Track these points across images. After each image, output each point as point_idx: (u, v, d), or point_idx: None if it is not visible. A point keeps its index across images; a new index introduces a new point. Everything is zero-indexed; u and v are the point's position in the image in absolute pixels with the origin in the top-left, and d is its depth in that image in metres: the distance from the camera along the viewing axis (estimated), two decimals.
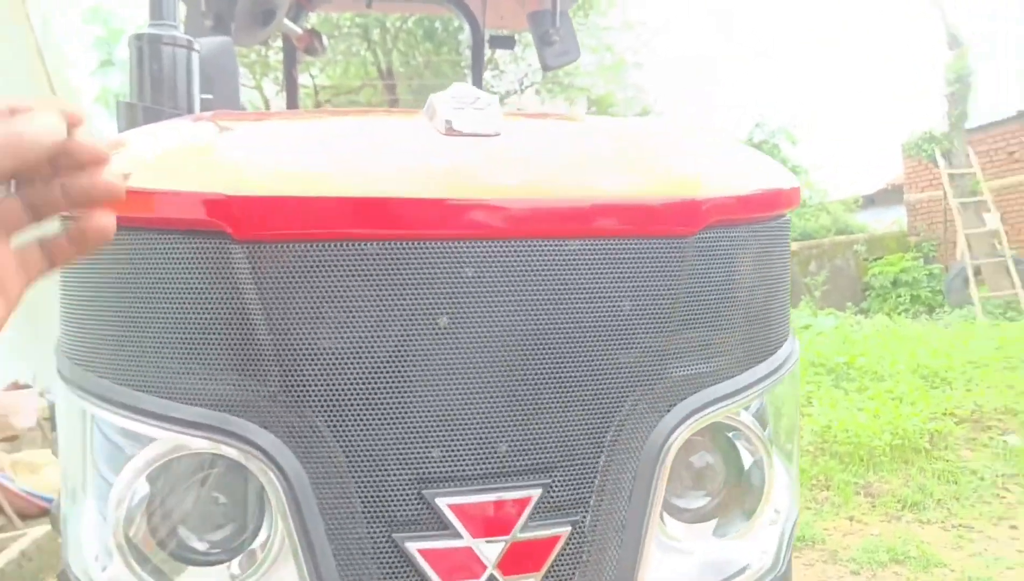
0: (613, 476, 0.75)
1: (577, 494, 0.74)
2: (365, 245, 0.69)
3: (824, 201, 14.85)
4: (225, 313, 0.70)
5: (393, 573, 0.71)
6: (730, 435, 0.86)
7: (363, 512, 0.70)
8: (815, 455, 5.22)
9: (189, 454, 0.73)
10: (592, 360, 0.74)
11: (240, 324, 0.69)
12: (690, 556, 0.84)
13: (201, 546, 0.76)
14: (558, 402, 0.73)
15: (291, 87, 2.77)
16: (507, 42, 3.05)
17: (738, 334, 0.83)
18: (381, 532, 0.70)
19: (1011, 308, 8.75)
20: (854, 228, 13.08)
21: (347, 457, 0.70)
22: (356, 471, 0.70)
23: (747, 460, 0.86)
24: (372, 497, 0.70)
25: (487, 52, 3.09)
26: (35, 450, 5.85)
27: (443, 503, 0.70)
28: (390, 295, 0.70)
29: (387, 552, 0.71)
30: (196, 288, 0.70)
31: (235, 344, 0.70)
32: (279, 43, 3.13)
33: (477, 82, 2.63)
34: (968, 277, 9.13)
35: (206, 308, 0.70)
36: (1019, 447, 5.06)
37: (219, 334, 0.70)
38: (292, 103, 2.66)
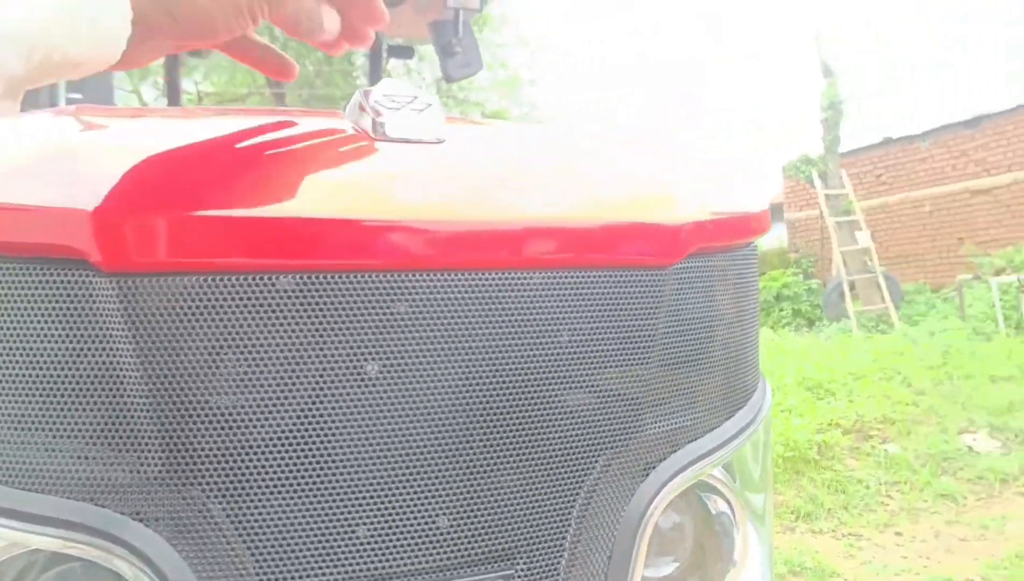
0: (582, 557, 0.62)
1: (542, 573, 0.61)
2: (275, 278, 0.54)
3: None
4: (87, 368, 0.52)
5: None
6: (699, 492, 0.76)
7: None
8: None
9: (31, 551, 0.55)
10: (554, 415, 0.61)
11: (108, 382, 0.52)
12: None
13: None
14: (513, 468, 0.60)
15: (173, 92, 2.51)
16: (406, 52, 2.92)
17: (718, 378, 0.72)
18: None
19: (882, 321, 9.29)
20: None
21: (251, 551, 0.54)
22: (262, 567, 0.54)
23: (718, 519, 0.76)
24: None
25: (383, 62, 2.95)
26: None
27: None
28: (305, 338, 0.55)
29: None
30: (49, 335, 0.52)
31: (101, 409, 0.52)
32: None
33: None
34: (844, 292, 9.65)
35: (61, 361, 0.52)
36: (898, 455, 5.32)
37: (79, 396, 0.52)
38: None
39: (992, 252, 9.90)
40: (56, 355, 0.52)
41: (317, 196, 0.56)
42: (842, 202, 10.38)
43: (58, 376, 0.52)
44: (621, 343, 0.63)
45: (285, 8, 0.56)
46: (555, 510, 0.62)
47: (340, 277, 0.55)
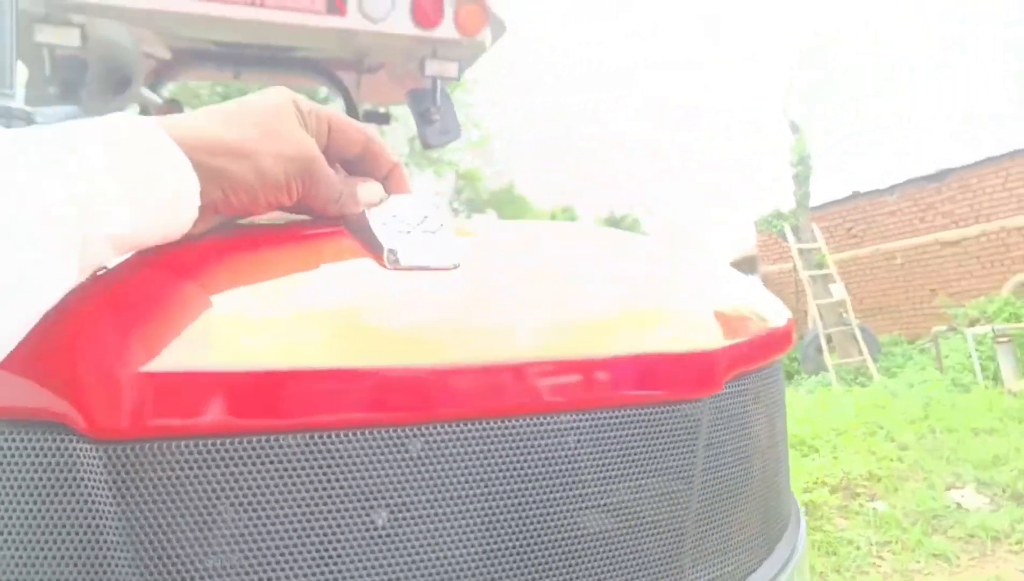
0: None
1: None
2: (277, 438, 0.48)
3: None
4: (71, 537, 0.46)
5: None
6: None
7: None
8: None
9: None
10: (583, 572, 0.55)
11: (92, 552, 0.46)
12: None
13: None
14: None
15: None
16: (382, 118, 2.92)
17: (757, 515, 0.66)
18: None
19: (861, 374, 9.33)
20: None
21: None
22: None
23: None
24: None
25: None
26: None
27: None
28: (310, 494, 0.49)
29: None
30: (23, 511, 0.46)
31: (85, 577, 0.46)
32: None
33: None
34: (821, 345, 9.70)
35: (36, 540, 0.46)
36: (887, 513, 5.26)
37: (61, 564, 0.46)
38: None
39: (965, 303, 10.05)
40: (33, 534, 0.46)
41: (321, 343, 0.50)
42: (815, 256, 10.52)
43: (41, 542, 0.46)
44: (658, 488, 0.58)
45: (318, 188, 0.59)
46: None
47: (347, 435, 0.49)
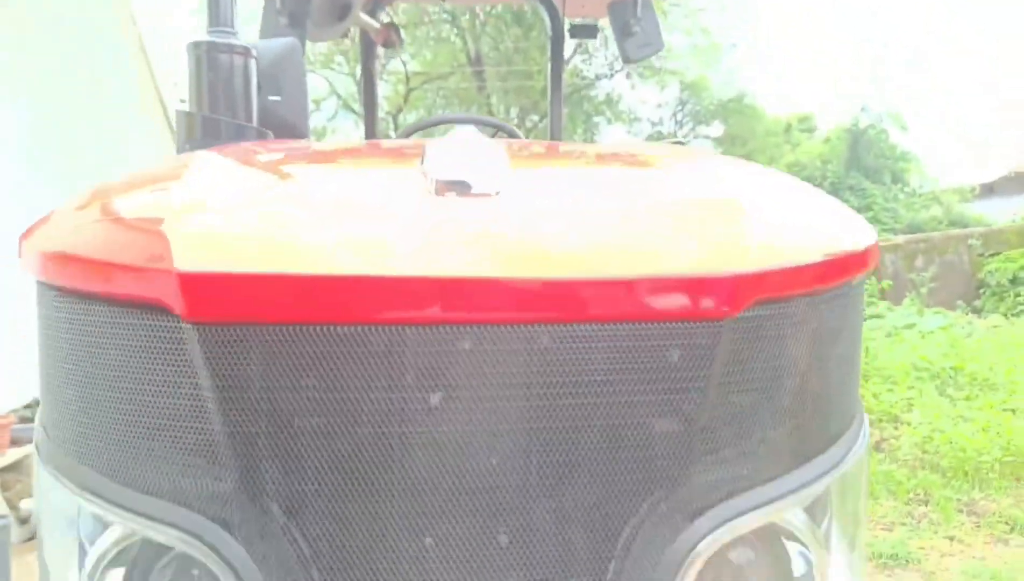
0: None
1: None
2: (332, 329, 0.61)
3: (936, 190, 13.91)
4: (178, 399, 0.63)
5: None
6: (778, 535, 0.75)
7: None
8: (914, 467, 4.90)
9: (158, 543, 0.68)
10: (602, 457, 0.64)
11: (195, 412, 0.62)
12: None
13: None
14: (560, 503, 0.64)
15: (368, 82, 2.74)
16: (589, 31, 2.91)
17: (785, 429, 0.70)
18: None
19: None
20: (969, 220, 12.19)
21: (316, 561, 0.63)
22: (325, 573, 0.63)
23: (796, 562, 0.75)
24: None
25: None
26: None
27: None
28: (368, 383, 0.61)
29: None
30: (149, 369, 0.64)
31: (191, 433, 0.63)
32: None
33: (556, 73, 2.51)
34: None
35: (159, 391, 0.64)
36: None
37: (173, 421, 0.63)
38: (369, 97, 2.64)
39: None
40: (156, 386, 0.64)
41: (367, 254, 0.62)
42: None
43: (158, 404, 0.64)
44: (673, 394, 0.64)
45: None
46: (599, 544, 0.64)
47: (392, 330, 0.61)
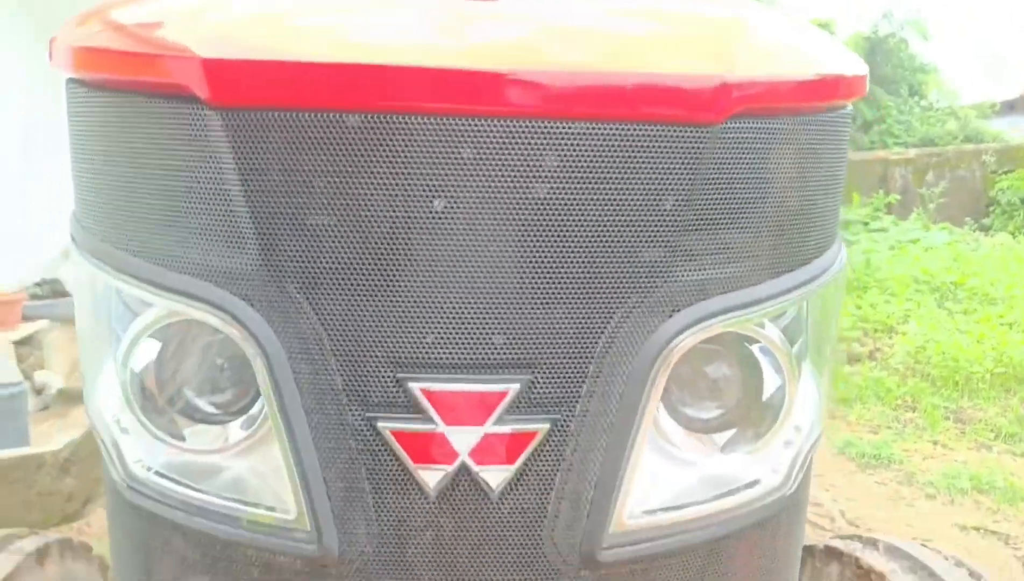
0: (604, 378, 0.71)
1: (561, 392, 0.70)
2: (347, 117, 0.65)
3: (953, 105, 13.59)
4: (205, 181, 0.68)
5: (370, 451, 0.70)
6: (753, 348, 0.80)
7: (343, 390, 0.69)
8: (904, 375, 5.01)
9: (189, 319, 0.74)
10: (591, 255, 0.69)
11: (219, 194, 0.68)
12: (691, 467, 0.80)
13: (206, 407, 0.78)
14: (550, 296, 0.69)
15: None
16: None
17: (765, 239, 0.74)
18: (357, 412, 0.69)
19: None
20: (986, 137, 11.96)
21: (328, 334, 0.69)
22: (337, 349, 0.69)
23: (768, 376, 0.80)
24: (350, 377, 0.69)
25: None
26: None
27: (416, 388, 0.68)
28: (378, 173, 0.66)
29: (364, 431, 0.70)
30: (178, 154, 0.69)
31: (216, 214, 0.68)
32: None
33: None
34: None
35: (188, 175, 0.69)
36: None
37: (201, 203, 0.69)
38: None
39: None
40: (185, 170, 0.69)
41: (384, 44, 0.65)
42: None
43: (187, 187, 0.69)
44: (659, 195, 0.68)
45: None
46: (583, 336, 0.70)
47: (405, 119, 0.65)
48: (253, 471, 0.75)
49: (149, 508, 0.77)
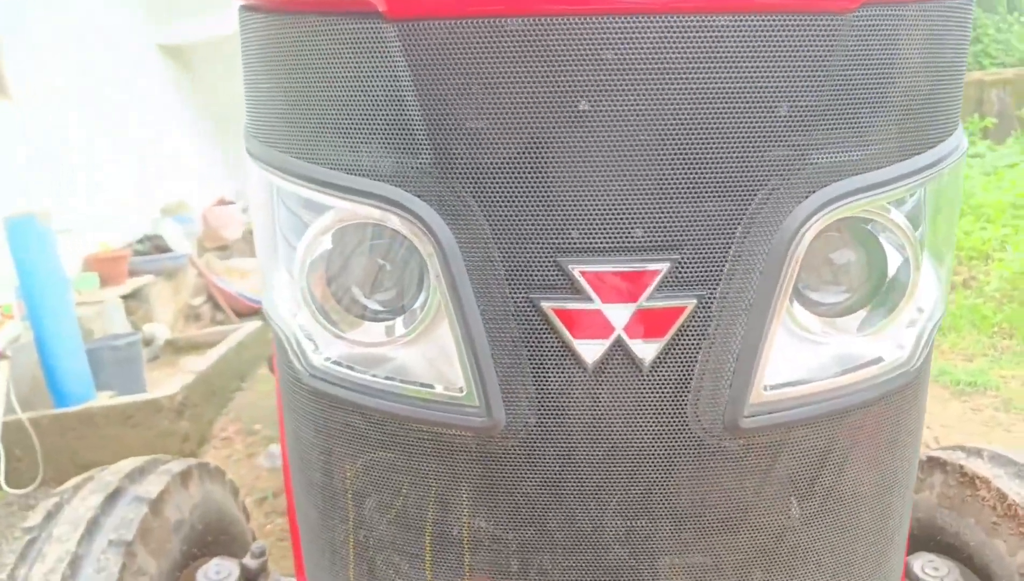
0: (744, 259, 0.77)
1: (705, 272, 0.77)
2: (506, 21, 0.71)
3: None
4: (381, 92, 0.76)
5: (532, 330, 0.78)
6: (877, 233, 0.84)
7: (506, 276, 0.77)
8: (1000, 302, 4.87)
9: (360, 223, 0.83)
10: (730, 145, 0.74)
11: (395, 103, 0.75)
12: (822, 346, 0.85)
13: (371, 305, 0.88)
14: (693, 186, 0.75)
15: None
16: None
17: (893, 123, 0.78)
18: (521, 294, 0.77)
19: None
20: None
21: (491, 227, 0.76)
22: (500, 240, 0.77)
23: (892, 259, 0.84)
24: (514, 263, 0.77)
25: None
26: (243, 258, 6.65)
27: (576, 269, 0.75)
28: (531, 77, 0.73)
29: (526, 312, 0.78)
30: (355, 68, 0.77)
31: (391, 122, 0.76)
32: None
33: None
34: None
35: (365, 87, 0.77)
36: None
37: (377, 112, 0.77)
38: None
39: None
40: (362, 83, 0.77)
41: None
42: None
43: (364, 99, 0.77)
44: (795, 83, 0.73)
45: None
46: (724, 221, 0.76)
47: (555, 21, 0.71)
48: (422, 356, 0.85)
49: (330, 392, 0.88)
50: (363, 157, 0.79)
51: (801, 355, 0.85)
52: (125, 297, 5.17)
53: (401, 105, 0.75)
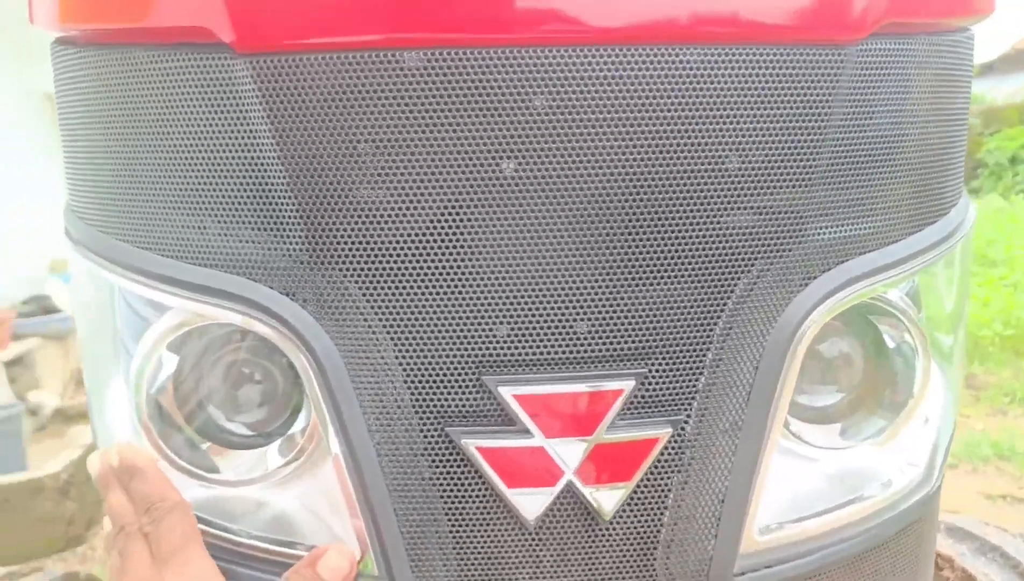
0: (727, 366, 0.58)
1: (681, 388, 0.57)
2: (403, 55, 0.51)
3: None
4: (233, 150, 0.54)
5: (450, 474, 0.57)
6: (872, 318, 0.68)
7: (411, 401, 0.56)
8: None
9: (212, 324, 0.61)
10: (704, 217, 0.56)
11: (251, 164, 0.54)
12: (815, 463, 0.67)
13: (234, 427, 0.65)
14: (658, 271, 0.56)
15: None
16: None
17: (905, 185, 0.62)
18: (433, 426, 0.56)
19: None
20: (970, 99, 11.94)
21: (390, 333, 0.56)
22: (402, 351, 0.56)
23: (894, 350, 0.68)
24: (421, 383, 0.56)
25: None
26: None
27: (508, 393, 0.55)
28: (439, 130, 0.53)
29: (441, 450, 0.57)
30: (197, 118, 0.55)
31: (247, 190, 0.55)
32: None
33: None
34: None
35: (210, 144, 0.55)
36: None
37: (228, 177, 0.55)
38: None
39: None
40: (206, 138, 0.55)
41: None
42: None
43: (210, 158, 0.55)
44: (787, 135, 0.55)
45: None
46: (701, 316, 0.57)
47: (469, 54, 0.51)
48: (302, 504, 0.62)
49: None
50: (212, 240, 0.57)
51: (791, 478, 0.67)
52: (8, 363, 4.70)
53: (261, 169, 0.54)
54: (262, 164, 0.54)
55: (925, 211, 0.64)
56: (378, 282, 0.55)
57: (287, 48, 0.52)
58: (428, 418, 0.56)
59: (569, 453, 0.55)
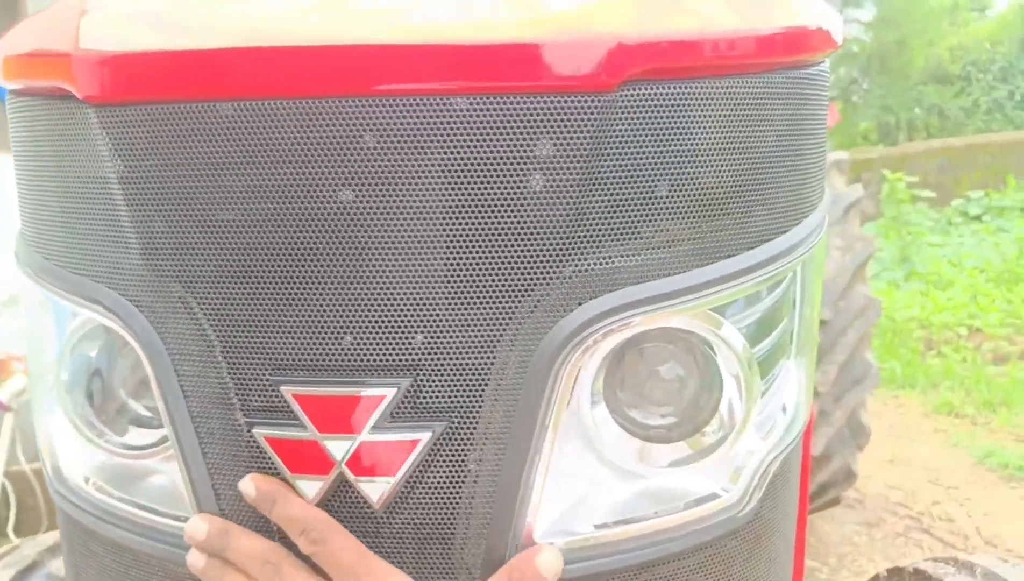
0: (507, 382, 0.64)
1: (452, 398, 0.64)
2: (217, 106, 0.61)
3: None
4: (91, 181, 0.68)
5: (252, 460, 0.67)
6: (709, 349, 0.71)
7: (236, 397, 0.67)
8: None
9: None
10: (483, 246, 0.62)
11: (103, 193, 0.67)
12: (632, 479, 0.71)
13: (139, 409, 0.78)
14: (437, 293, 0.63)
15: None
16: None
17: (687, 223, 0.65)
18: (241, 418, 0.66)
19: None
20: None
21: (217, 336, 0.66)
22: (225, 352, 0.66)
23: (724, 380, 0.71)
24: (239, 381, 0.66)
25: None
26: None
27: (288, 391, 0.64)
28: (258, 166, 0.62)
29: (246, 439, 0.67)
30: (67, 155, 0.69)
31: (102, 214, 0.68)
32: None
33: None
34: None
35: (77, 176, 0.69)
36: None
37: (90, 203, 0.69)
38: None
39: None
40: (75, 171, 0.69)
41: (255, 26, 0.61)
42: None
43: (76, 188, 0.69)
44: (557, 176, 0.61)
45: None
46: (478, 336, 0.64)
47: (291, 104, 0.60)
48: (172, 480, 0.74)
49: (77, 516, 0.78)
50: (88, 255, 0.71)
51: (606, 489, 0.71)
52: None
53: (109, 197, 0.67)
54: (110, 192, 0.66)
55: (717, 247, 0.66)
56: (204, 290, 0.66)
57: (124, 100, 0.64)
58: (233, 411, 0.66)
59: (338, 448, 0.63)
